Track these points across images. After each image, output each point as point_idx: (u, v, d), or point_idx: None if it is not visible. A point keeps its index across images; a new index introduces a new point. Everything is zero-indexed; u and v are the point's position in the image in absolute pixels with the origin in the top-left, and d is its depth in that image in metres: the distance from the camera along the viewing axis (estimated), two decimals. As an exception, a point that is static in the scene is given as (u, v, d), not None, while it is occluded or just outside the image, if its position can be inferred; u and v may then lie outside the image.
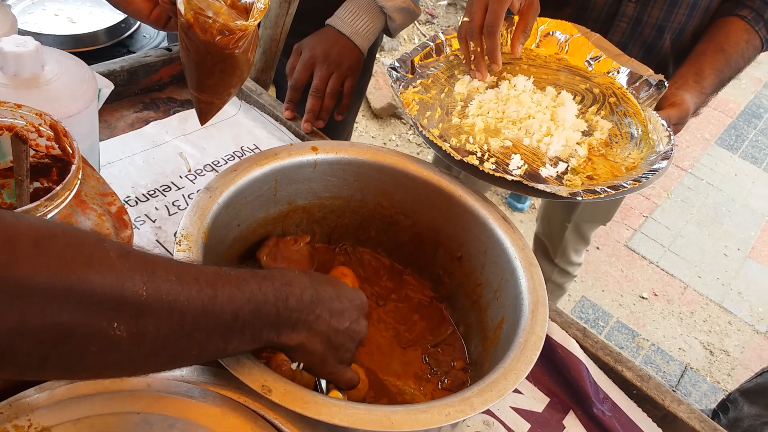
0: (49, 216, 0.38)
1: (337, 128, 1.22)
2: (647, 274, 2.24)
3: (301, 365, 0.49)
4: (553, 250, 1.44)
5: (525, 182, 0.64)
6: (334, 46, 0.92)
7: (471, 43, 0.80)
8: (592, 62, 0.89)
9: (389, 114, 2.63)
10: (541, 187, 0.64)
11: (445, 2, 3.16)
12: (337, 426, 0.44)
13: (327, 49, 0.92)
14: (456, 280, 0.70)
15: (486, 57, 0.80)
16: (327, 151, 0.68)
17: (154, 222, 0.74)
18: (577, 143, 0.75)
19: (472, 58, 0.81)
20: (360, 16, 0.95)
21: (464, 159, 0.66)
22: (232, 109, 0.92)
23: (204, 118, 0.67)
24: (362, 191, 0.71)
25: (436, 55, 0.85)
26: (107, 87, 0.62)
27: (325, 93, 0.90)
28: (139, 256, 0.35)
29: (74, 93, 0.55)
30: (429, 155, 2.54)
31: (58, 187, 0.38)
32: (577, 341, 0.71)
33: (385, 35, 1.04)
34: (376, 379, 0.63)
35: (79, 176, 0.41)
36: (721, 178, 2.78)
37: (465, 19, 0.81)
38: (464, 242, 0.68)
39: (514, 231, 0.64)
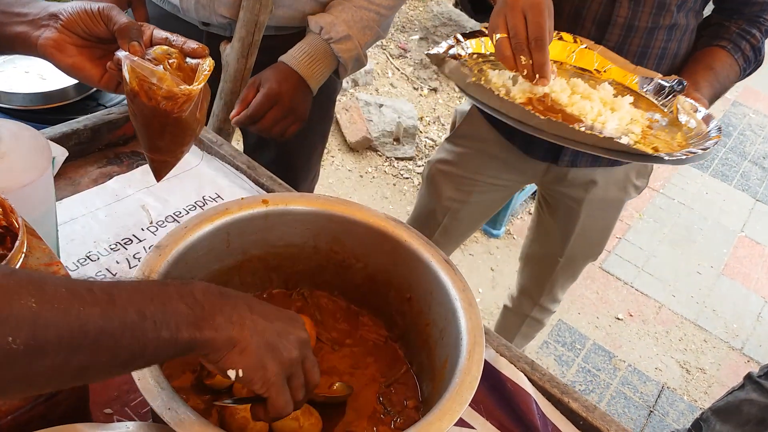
0: None
1: (301, 171, 1.26)
2: (622, 295, 2.28)
3: (240, 372, 0.45)
4: (538, 290, 1.41)
5: (613, 138, 0.69)
6: (292, 88, 0.97)
7: (522, 57, 0.77)
8: (600, 71, 0.96)
9: (365, 147, 2.69)
10: (626, 140, 0.70)
11: (417, 37, 3.25)
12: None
13: (286, 90, 0.96)
14: (408, 320, 0.73)
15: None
16: (277, 203, 0.71)
17: (114, 275, 0.76)
18: (629, 125, 0.81)
19: (524, 73, 0.79)
20: (316, 59, 0.99)
21: (551, 118, 0.68)
22: (194, 160, 0.96)
23: (159, 175, 0.70)
24: (315, 238, 0.74)
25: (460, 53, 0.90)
26: (62, 155, 0.65)
27: (266, 127, 0.95)
28: (26, 273, 0.36)
29: (28, 164, 0.58)
30: (405, 185, 2.59)
31: (2, 263, 0.41)
32: (525, 374, 0.74)
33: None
34: (330, 424, 0.65)
35: (24, 250, 0.44)
36: (692, 197, 2.86)
37: (502, 35, 0.79)
38: (412, 284, 0.71)
39: (455, 273, 0.67)
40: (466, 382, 0.56)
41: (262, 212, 0.70)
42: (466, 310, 0.63)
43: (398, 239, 0.71)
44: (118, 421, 0.64)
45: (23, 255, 0.43)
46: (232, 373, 0.45)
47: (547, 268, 1.36)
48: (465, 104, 1.23)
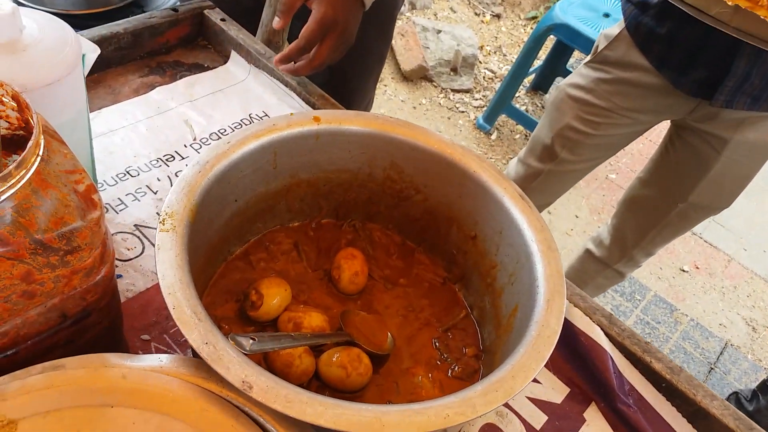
0: (2, 198, 0.35)
1: (356, 95, 1.17)
2: (689, 246, 2.13)
3: None
4: (636, 239, 1.30)
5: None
6: (346, 8, 0.85)
7: None
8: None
9: (419, 76, 2.54)
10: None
11: (482, -44, 2.99)
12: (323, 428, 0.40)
13: (341, 11, 0.84)
14: (470, 260, 0.65)
15: None
16: (330, 122, 0.62)
17: (155, 194, 0.71)
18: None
19: None
20: None
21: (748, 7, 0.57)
22: (241, 74, 0.88)
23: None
24: (370, 164, 0.66)
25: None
26: (93, 52, 0.58)
27: (320, 62, 0.83)
28: None
29: (55, 59, 0.51)
30: (460, 119, 2.45)
31: (11, 166, 0.35)
32: (601, 329, 0.66)
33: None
34: (382, 370, 0.59)
35: (39, 152, 0.37)
36: (775, 143, 2.60)
37: None
38: (479, 221, 0.63)
39: (532, 210, 0.58)
40: (543, 337, 0.48)
41: (313, 131, 0.62)
42: (544, 253, 0.54)
43: (466, 169, 0.62)
44: (156, 349, 0.60)
45: (39, 158, 0.37)
46: None
47: (656, 215, 1.24)
48: (613, 26, 1.10)
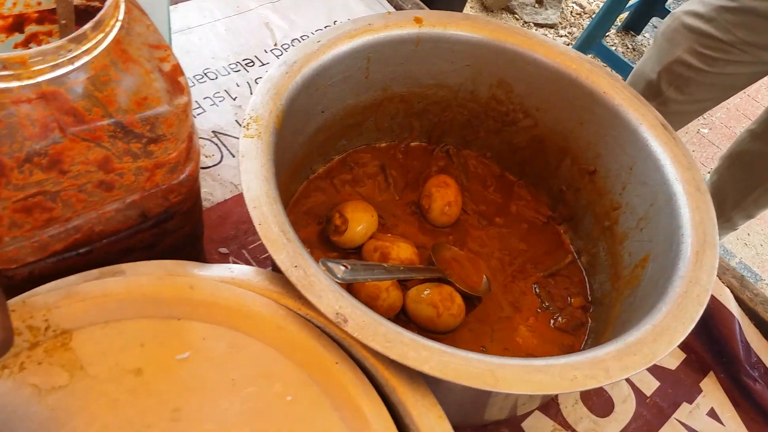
0: (77, 64, 0.29)
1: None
2: (786, 211, 1.93)
3: None
4: (737, 198, 1.19)
5: None
6: None
7: None
8: None
9: (500, 6, 2.35)
10: None
11: None
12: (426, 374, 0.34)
13: None
14: (584, 199, 0.56)
15: None
16: (433, 25, 0.53)
17: (234, 100, 0.64)
18: None
19: None
20: None
21: None
22: (326, -23, 0.79)
23: None
24: (474, 80, 0.57)
25: None
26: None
27: None
28: None
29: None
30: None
31: (87, 26, 0.28)
32: (732, 291, 0.56)
33: None
34: (477, 307, 0.52)
35: (118, 16, 0.30)
36: None
37: None
38: (602, 153, 0.53)
39: (677, 143, 0.48)
40: (692, 295, 0.39)
41: (413, 34, 0.53)
42: (692, 195, 0.45)
43: (594, 90, 0.52)
44: (234, 263, 0.55)
45: (118, 23, 0.30)
46: None
47: (766, 173, 1.11)
48: None
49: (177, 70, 0.34)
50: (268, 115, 0.44)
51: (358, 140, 0.61)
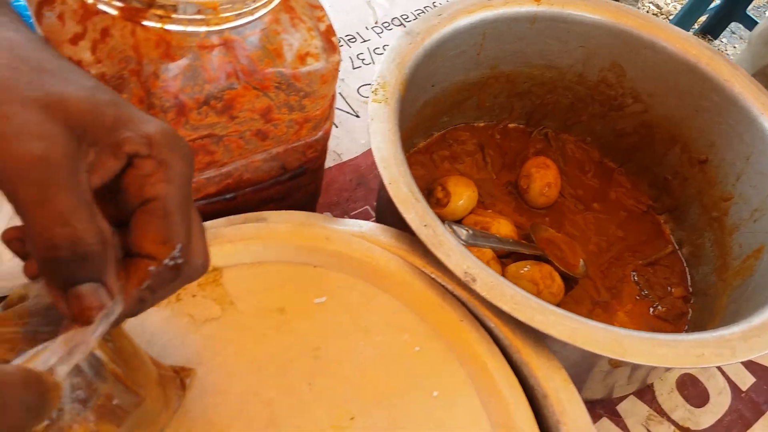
0: (256, 15, 0.30)
1: None
2: None
3: None
4: None
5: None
6: None
7: None
8: None
9: None
10: None
11: None
12: (553, 338, 0.34)
13: None
14: (691, 189, 0.55)
15: None
16: (552, 3, 0.53)
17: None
18: None
19: None
20: None
21: None
22: (427, -42, 0.79)
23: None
24: (585, 62, 0.57)
25: None
26: None
27: None
28: None
29: None
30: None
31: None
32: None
33: None
34: (573, 289, 0.52)
35: None
36: None
37: None
38: (716, 142, 0.52)
39: (804, 134, 0.47)
40: (822, 284, 0.39)
41: (531, 13, 0.53)
42: (820, 186, 0.44)
43: (713, 78, 0.51)
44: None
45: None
46: None
47: None
48: None
49: (331, 30, 0.36)
50: (394, 81, 0.45)
51: (459, 118, 0.61)
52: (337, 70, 0.36)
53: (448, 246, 0.37)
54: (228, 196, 0.39)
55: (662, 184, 0.58)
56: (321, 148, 0.40)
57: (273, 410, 0.31)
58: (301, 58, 0.33)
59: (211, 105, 0.32)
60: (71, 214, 0.20)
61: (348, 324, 0.35)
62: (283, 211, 0.39)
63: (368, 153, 0.62)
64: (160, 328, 0.33)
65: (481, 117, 0.62)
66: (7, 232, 0.23)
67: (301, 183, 0.42)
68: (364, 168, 0.61)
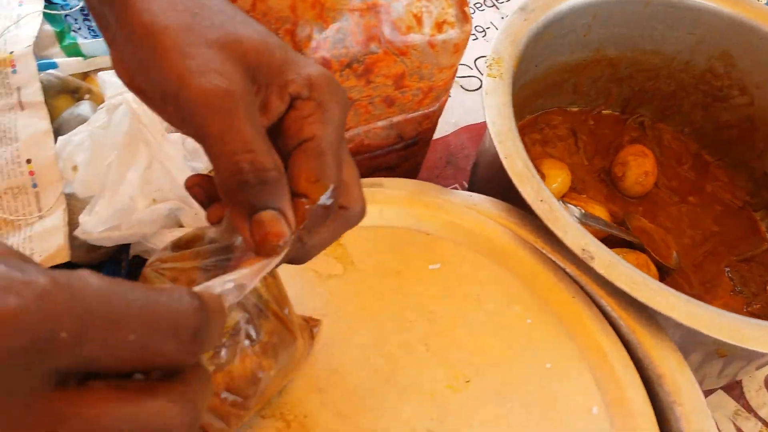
0: None
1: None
2: None
3: None
4: None
5: None
6: None
7: None
8: None
9: None
10: None
11: None
12: (671, 320, 0.34)
13: None
14: (795, 186, 0.54)
15: None
16: (668, -13, 0.52)
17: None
18: None
19: None
20: None
21: None
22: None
23: None
24: (693, 49, 0.55)
25: None
26: None
27: None
28: None
29: None
30: None
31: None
32: None
33: None
34: (665, 281, 0.52)
35: None
36: None
37: None
38: (831, 139, 0.51)
39: None
40: None
41: (644, -4, 0.52)
42: None
43: (835, 70, 0.49)
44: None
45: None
46: None
47: None
48: None
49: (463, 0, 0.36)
50: (508, 57, 0.45)
51: (552, 101, 0.61)
52: (467, 40, 0.36)
53: (564, 222, 0.37)
54: (346, 161, 0.40)
55: (761, 180, 0.56)
56: (435, 119, 0.41)
57: (393, 365, 0.32)
58: (439, 26, 0.34)
59: (353, 68, 0.33)
60: (254, 142, 0.21)
61: (460, 291, 0.36)
62: (398, 179, 0.40)
63: (459, 132, 0.62)
64: (288, 281, 0.35)
65: (575, 102, 0.62)
66: (189, 179, 0.25)
67: (411, 153, 0.43)
68: (454, 147, 0.61)
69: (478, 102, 0.62)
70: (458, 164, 0.59)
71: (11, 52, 0.44)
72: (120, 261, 0.44)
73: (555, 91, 0.60)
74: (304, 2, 0.30)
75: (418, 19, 0.33)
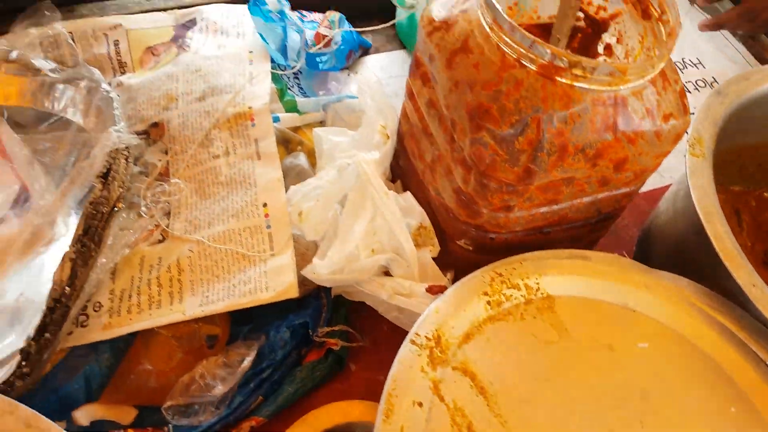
0: (646, 78, 0.34)
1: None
2: None
3: None
4: None
5: None
6: None
7: None
8: None
9: None
10: None
11: None
12: None
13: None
14: None
15: None
16: None
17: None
18: None
19: None
20: None
21: None
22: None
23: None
24: None
25: None
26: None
27: None
28: None
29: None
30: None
31: (668, 47, 0.34)
32: None
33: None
34: None
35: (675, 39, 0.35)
36: None
37: None
38: None
39: None
40: None
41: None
42: None
43: None
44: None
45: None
46: None
47: None
48: None
49: (683, 92, 0.39)
50: (708, 137, 0.47)
51: (716, 179, 0.61)
52: (686, 129, 0.38)
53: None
54: (546, 230, 0.42)
55: None
56: (630, 198, 0.43)
57: (611, 439, 0.34)
58: (665, 117, 0.36)
59: (585, 153, 0.35)
60: None
61: (669, 373, 0.37)
62: (602, 253, 0.42)
63: (616, 199, 0.64)
64: (513, 346, 0.37)
65: (737, 182, 0.62)
66: None
67: (600, 226, 0.45)
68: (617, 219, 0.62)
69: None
70: (619, 234, 0.61)
71: (250, 107, 0.50)
72: (320, 297, 0.48)
73: (721, 170, 0.60)
74: (554, 95, 0.34)
75: (649, 111, 0.36)
